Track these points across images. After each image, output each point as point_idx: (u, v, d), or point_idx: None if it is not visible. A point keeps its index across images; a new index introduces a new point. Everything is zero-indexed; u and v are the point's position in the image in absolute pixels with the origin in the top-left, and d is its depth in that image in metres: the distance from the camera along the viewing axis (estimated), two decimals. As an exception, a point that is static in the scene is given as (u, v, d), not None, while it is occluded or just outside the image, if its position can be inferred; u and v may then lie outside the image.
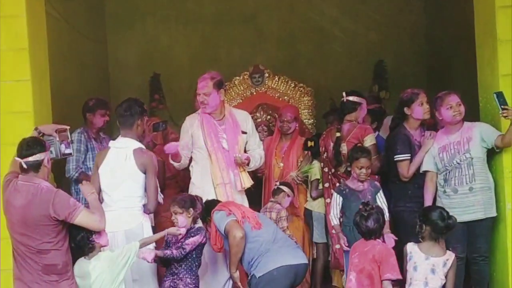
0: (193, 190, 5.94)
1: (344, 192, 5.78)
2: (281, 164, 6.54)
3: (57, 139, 5.07)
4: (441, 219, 5.04)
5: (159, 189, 5.39)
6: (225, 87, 6.07)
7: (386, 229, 5.54)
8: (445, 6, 8.98)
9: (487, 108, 5.71)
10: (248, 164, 5.99)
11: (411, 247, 5.10)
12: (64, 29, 7.69)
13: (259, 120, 7.53)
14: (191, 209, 5.28)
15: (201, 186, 5.89)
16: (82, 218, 4.59)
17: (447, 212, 5.12)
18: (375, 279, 4.94)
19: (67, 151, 5.14)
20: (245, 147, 6.08)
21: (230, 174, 5.90)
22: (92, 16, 9.23)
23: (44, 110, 5.83)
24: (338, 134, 6.31)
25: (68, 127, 5.23)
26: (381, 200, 5.77)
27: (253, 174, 6.37)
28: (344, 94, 6.44)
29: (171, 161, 5.93)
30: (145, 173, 5.25)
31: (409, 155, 5.90)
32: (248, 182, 5.98)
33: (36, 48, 5.74)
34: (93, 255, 4.74)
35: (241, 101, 7.83)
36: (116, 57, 9.70)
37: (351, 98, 6.44)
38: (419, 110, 5.97)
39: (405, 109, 6.02)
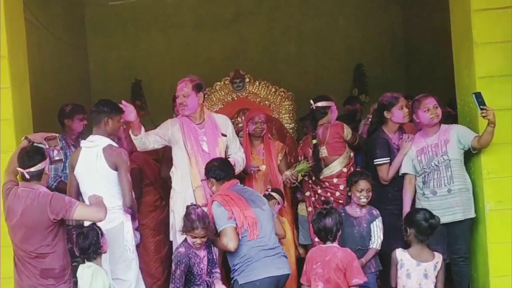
0: (174, 195, 5.94)
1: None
2: (264, 166, 6.41)
3: (47, 146, 5.18)
4: (424, 220, 5.10)
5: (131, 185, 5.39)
6: (204, 91, 6.04)
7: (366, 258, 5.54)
8: (423, 10, 9.07)
9: (465, 110, 5.77)
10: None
11: (401, 254, 5.10)
12: (44, 36, 7.68)
13: (240, 125, 7.53)
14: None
15: (182, 191, 5.87)
16: (80, 211, 4.77)
17: (430, 213, 5.17)
18: (342, 287, 4.94)
19: (57, 157, 5.24)
20: (226, 151, 6.06)
21: None
22: (72, 22, 9.22)
23: (24, 117, 5.82)
24: (314, 141, 6.36)
25: (57, 135, 5.35)
26: (376, 229, 5.63)
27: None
28: (311, 101, 6.49)
29: (130, 133, 5.83)
30: (116, 170, 5.29)
31: (388, 158, 5.96)
32: None
33: (16, 55, 5.73)
34: (98, 262, 4.89)
35: (222, 106, 7.84)
36: (97, 64, 9.70)
37: (319, 104, 6.51)
38: (399, 114, 6.03)
39: (385, 112, 6.08)
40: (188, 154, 5.88)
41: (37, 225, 4.75)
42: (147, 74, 9.53)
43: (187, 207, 5.26)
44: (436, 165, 5.65)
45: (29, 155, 4.83)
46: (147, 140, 5.84)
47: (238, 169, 6.03)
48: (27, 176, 4.83)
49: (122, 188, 5.31)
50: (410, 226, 5.14)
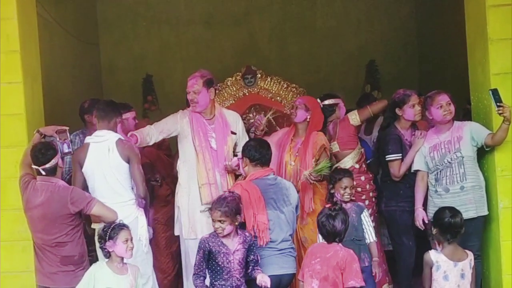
0: (180, 191, 5.90)
1: None
2: (293, 163, 6.12)
3: (58, 139, 5.33)
4: (445, 218, 5.03)
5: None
6: (215, 86, 6.01)
7: (374, 254, 5.45)
8: (436, 5, 9.02)
9: (479, 107, 5.72)
10: (239, 169, 5.83)
11: (436, 256, 5.00)
12: (56, 31, 7.69)
13: (252, 121, 7.52)
14: (238, 216, 4.98)
15: (188, 186, 5.82)
16: (98, 208, 5.05)
17: (454, 211, 5.10)
18: (339, 287, 4.77)
19: (67, 150, 5.35)
20: (234, 148, 5.99)
21: (216, 174, 5.81)
22: (84, 18, 9.24)
23: (36, 112, 5.82)
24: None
25: (67, 128, 5.45)
26: (366, 220, 5.56)
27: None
28: (318, 100, 6.47)
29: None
30: (128, 162, 5.36)
31: (400, 155, 5.93)
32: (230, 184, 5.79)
33: (28, 50, 5.73)
34: (109, 263, 4.81)
35: (233, 102, 7.82)
36: (109, 59, 9.71)
37: (326, 102, 6.52)
38: (411, 111, 6.01)
39: (397, 110, 6.06)
40: (196, 150, 5.82)
41: (57, 217, 4.98)
42: (159, 69, 9.54)
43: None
44: (449, 162, 5.61)
45: (42, 152, 5.01)
46: (147, 139, 5.80)
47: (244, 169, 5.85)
48: (43, 173, 5.03)
49: (135, 180, 5.39)
50: (435, 225, 5.07)
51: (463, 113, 6.75)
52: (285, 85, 7.91)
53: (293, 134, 6.23)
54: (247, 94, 7.91)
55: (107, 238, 4.77)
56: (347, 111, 6.61)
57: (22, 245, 5.45)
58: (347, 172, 5.75)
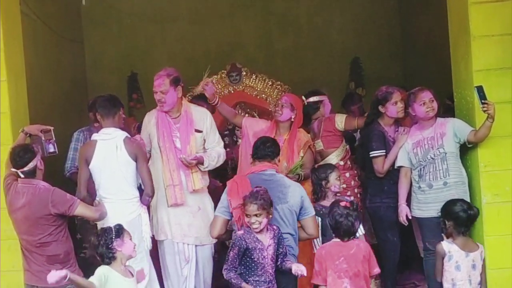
0: None
1: (321, 212, 5.43)
2: (285, 164, 5.96)
3: (43, 138, 5.35)
4: (462, 211, 5.03)
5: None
6: (182, 84, 5.88)
7: None
8: (419, 2, 9.07)
9: (462, 103, 5.76)
10: (202, 164, 5.74)
11: (448, 246, 4.99)
12: (40, 29, 7.66)
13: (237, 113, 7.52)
14: (271, 208, 4.93)
15: (157, 187, 5.64)
16: (80, 209, 5.07)
17: (468, 203, 5.13)
18: (368, 279, 4.85)
19: (51, 149, 5.39)
20: (203, 146, 5.88)
21: (181, 175, 5.71)
22: (68, 15, 9.20)
23: (21, 110, 5.81)
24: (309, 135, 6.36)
25: (52, 128, 5.47)
26: None
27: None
28: (303, 97, 6.48)
29: None
30: (136, 161, 5.38)
31: (384, 151, 5.97)
32: (199, 184, 5.74)
33: (12, 48, 5.70)
34: (114, 266, 4.63)
35: (218, 99, 7.83)
36: (93, 57, 9.69)
37: (311, 99, 6.55)
38: (393, 109, 6.05)
39: (380, 107, 6.11)
40: (161, 151, 5.76)
41: (39, 218, 4.99)
42: (144, 67, 9.50)
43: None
44: (432, 158, 5.65)
45: (20, 155, 5.03)
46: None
47: (209, 163, 5.78)
48: (22, 176, 5.04)
49: (143, 178, 5.42)
50: (448, 219, 5.05)
51: (444, 109, 6.79)
52: (270, 83, 7.93)
53: (274, 132, 6.12)
54: (232, 91, 7.92)
55: (114, 237, 4.63)
56: (333, 111, 6.64)
57: (7, 244, 5.46)
58: (331, 166, 5.78)
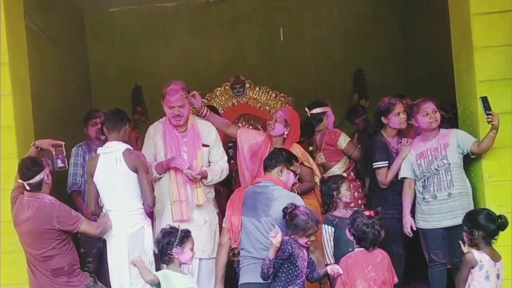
0: (157, 204, 5.63)
1: (334, 222, 5.43)
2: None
3: (53, 153, 5.42)
4: (492, 222, 4.90)
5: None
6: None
7: None
8: (422, 13, 9.09)
9: (465, 114, 5.78)
10: (206, 178, 5.74)
11: (479, 256, 4.86)
12: (44, 42, 7.69)
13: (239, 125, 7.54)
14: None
15: (162, 202, 5.69)
16: (85, 227, 5.12)
17: (494, 213, 5.02)
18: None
19: (61, 165, 5.48)
20: (208, 159, 5.87)
21: (187, 190, 5.68)
22: (72, 29, 9.24)
23: (26, 124, 5.83)
24: (311, 148, 6.35)
25: (63, 143, 5.54)
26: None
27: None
28: (306, 109, 6.49)
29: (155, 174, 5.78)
30: (136, 172, 5.39)
31: (387, 162, 5.98)
32: (202, 198, 5.71)
33: (17, 62, 5.74)
34: (171, 268, 4.81)
35: (222, 111, 7.84)
36: (97, 70, 9.71)
37: (314, 111, 6.55)
38: (396, 120, 6.06)
39: (382, 118, 6.11)
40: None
41: (43, 232, 5.01)
42: (147, 80, 9.53)
43: (287, 208, 5.00)
44: (436, 169, 5.65)
45: (28, 167, 5.06)
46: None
47: (212, 178, 5.78)
48: (28, 188, 5.06)
49: (143, 189, 5.41)
50: (478, 229, 4.89)
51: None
52: (274, 95, 7.96)
53: (269, 146, 6.01)
54: (236, 104, 7.94)
55: (175, 244, 4.74)
56: (336, 123, 6.64)
57: (12, 257, 5.50)
58: (341, 176, 5.81)
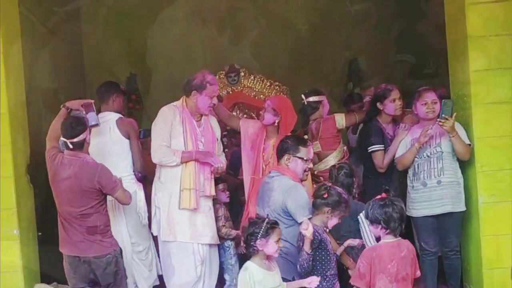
0: (161, 190, 5.73)
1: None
2: (264, 167, 5.94)
3: (84, 113, 5.47)
4: None
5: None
6: None
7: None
8: (417, 3, 9.07)
9: (459, 103, 5.78)
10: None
11: None
12: (38, 30, 7.66)
13: (233, 114, 7.53)
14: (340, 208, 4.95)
15: (170, 187, 5.67)
16: (120, 193, 5.26)
17: None
18: (412, 282, 4.61)
19: (93, 123, 5.51)
20: None
21: (200, 178, 5.69)
22: (67, 16, 9.20)
23: (19, 111, 5.85)
24: (306, 137, 6.37)
25: (92, 101, 5.64)
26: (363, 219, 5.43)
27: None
28: (303, 96, 6.48)
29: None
30: (128, 138, 5.74)
31: (383, 146, 6.02)
32: (213, 189, 5.78)
33: (10, 49, 5.74)
34: (255, 261, 4.64)
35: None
36: (92, 58, 9.68)
37: (311, 99, 6.51)
38: (391, 106, 6.09)
39: (378, 104, 6.14)
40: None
41: (83, 191, 5.14)
42: (142, 68, 9.52)
43: (322, 186, 4.97)
44: (428, 156, 5.68)
45: (72, 126, 5.16)
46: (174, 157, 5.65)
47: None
48: (71, 146, 5.15)
49: (134, 154, 5.82)
50: None
51: None
52: (268, 83, 7.94)
53: (265, 135, 6.05)
54: (230, 92, 7.93)
55: (259, 236, 4.59)
56: (331, 112, 6.64)
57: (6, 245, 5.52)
58: (346, 165, 5.71)
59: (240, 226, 5.52)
